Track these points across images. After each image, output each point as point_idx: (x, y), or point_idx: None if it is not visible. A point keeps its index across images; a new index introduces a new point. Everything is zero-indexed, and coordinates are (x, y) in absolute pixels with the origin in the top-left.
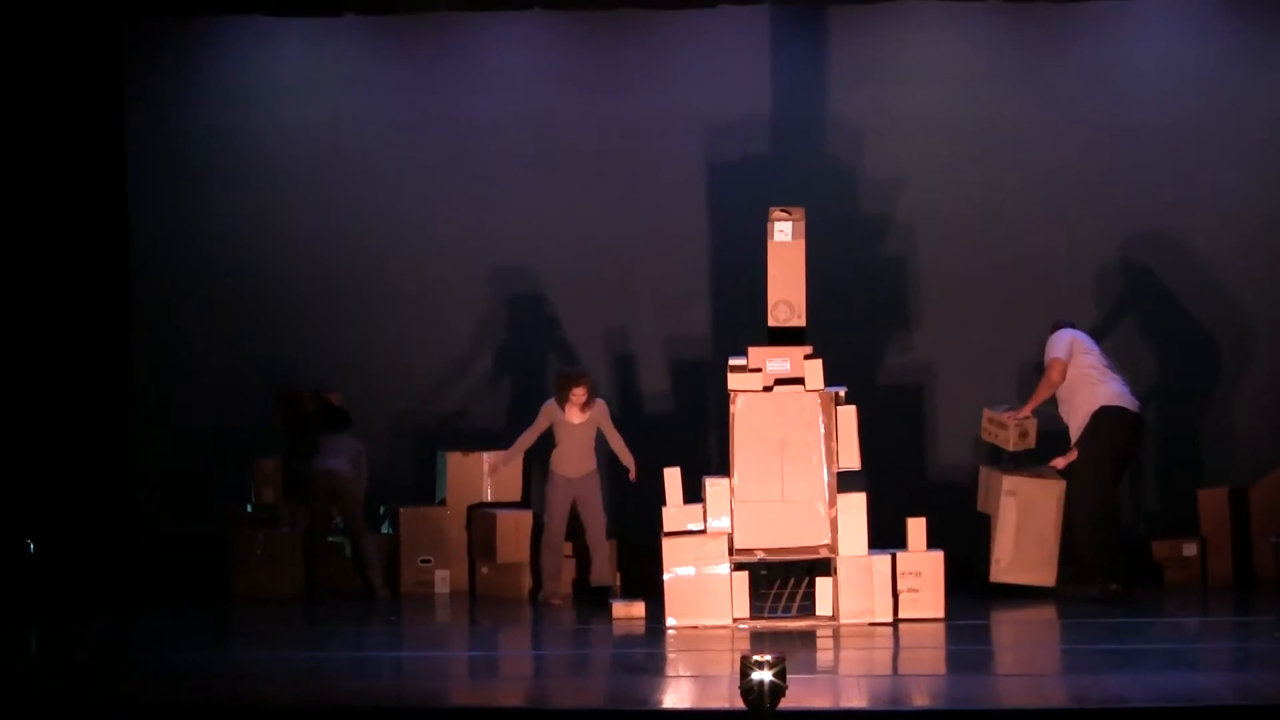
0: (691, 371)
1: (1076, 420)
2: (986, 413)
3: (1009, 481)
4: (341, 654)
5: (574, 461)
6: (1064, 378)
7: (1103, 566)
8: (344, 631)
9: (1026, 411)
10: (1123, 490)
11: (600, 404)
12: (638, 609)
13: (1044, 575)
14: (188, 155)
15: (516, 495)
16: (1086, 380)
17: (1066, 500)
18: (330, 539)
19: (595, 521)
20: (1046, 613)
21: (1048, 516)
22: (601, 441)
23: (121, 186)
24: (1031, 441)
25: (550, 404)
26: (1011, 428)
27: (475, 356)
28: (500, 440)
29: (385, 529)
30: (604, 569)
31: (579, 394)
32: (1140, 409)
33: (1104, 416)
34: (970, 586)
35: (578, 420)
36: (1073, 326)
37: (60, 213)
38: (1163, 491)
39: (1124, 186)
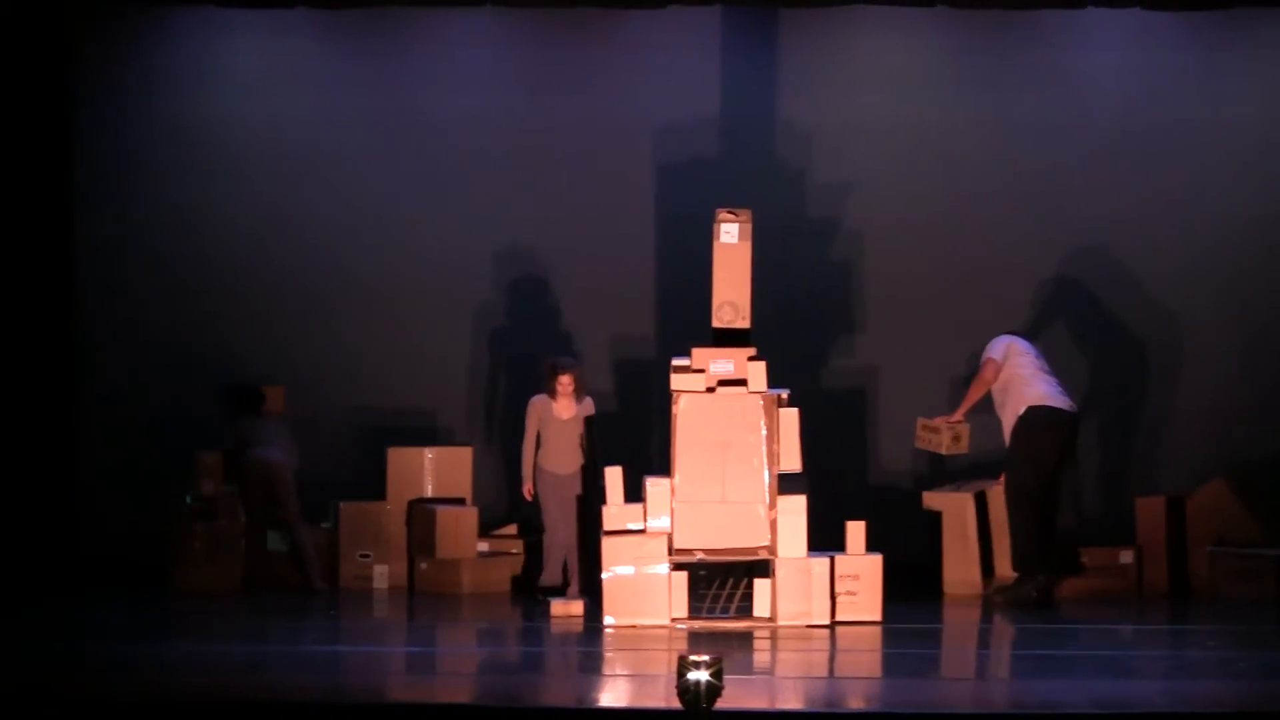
0: (636, 371)
1: (1008, 421)
2: (920, 420)
3: (927, 497)
4: (280, 648)
5: (562, 458)
6: (996, 377)
7: (1027, 564)
8: (283, 625)
9: (960, 414)
10: (1062, 490)
11: (589, 402)
12: (576, 608)
13: (972, 582)
14: (137, 147)
15: (463, 492)
16: (1018, 381)
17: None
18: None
19: (572, 521)
20: (984, 617)
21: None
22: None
23: (70, 177)
24: (964, 446)
25: (535, 401)
26: (944, 431)
27: (420, 353)
28: (448, 437)
29: (326, 524)
30: (557, 572)
31: (565, 383)
32: (1074, 408)
33: (1030, 416)
34: (907, 590)
35: (565, 415)
36: (1015, 333)
37: (7, 203)
38: (1101, 499)
39: (1069, 195)
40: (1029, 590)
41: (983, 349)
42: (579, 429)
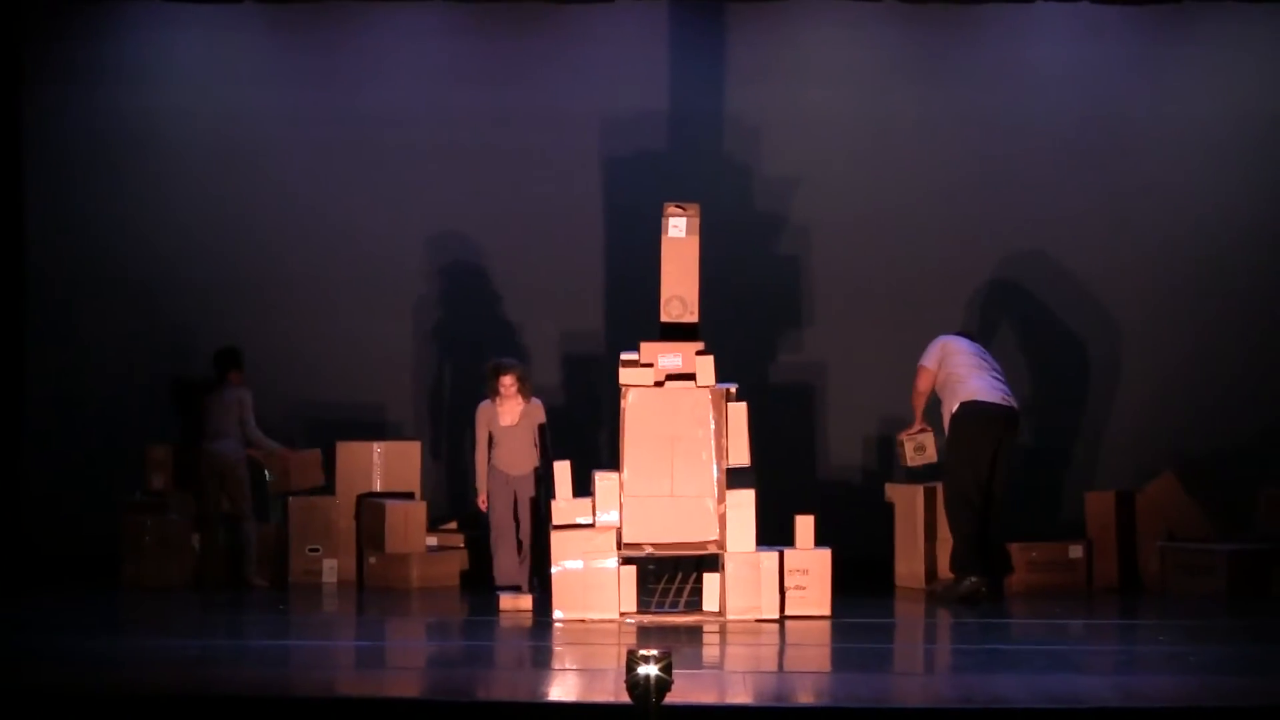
0: (584, 365)
1: (945, 422)
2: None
3: (889, 489)
4: (230, 642)
5: (514, 460)
6: (931, 384)
7: (962, 564)
8: (232, 620)
9: (915, 426)
10: (1001, 489)
11: (536, 405)
12: (525, 602)
13: (917, 576)
14: (85, 139)
15: (412, 486)
16: (953, 380)
17: None
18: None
19: (525, 520)
20: (933, 612)
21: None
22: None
23: (17, 169)
24: (931, 455)
25: (481, 407)
26: (906, 444)
27: (368, 348)
28: (396, 431)
29: (273, 518)
30: (513, 570)
31: (508, 384)
32: (1008, 402)
33: (961, 413)
34: (858, 584)
35: (509, 421)
36: (956, 334)
37: None
38: (1050, 495)
39: (1016, 191)
40: (963, 590)
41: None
42: (530, 432)
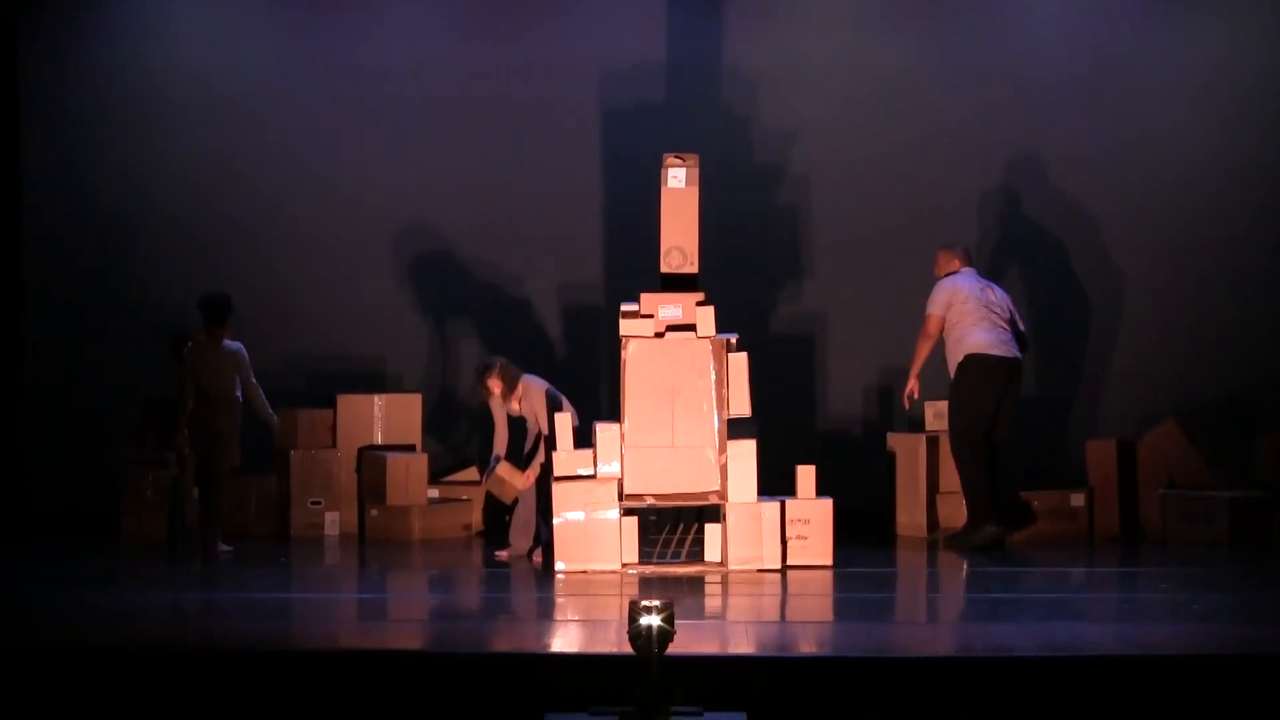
0: (584, 317)
1: (950, 370)
2: None
3: (891, 438)
4: (230, 595)
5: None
6: (940, 331)
7: (975, 512)
8: (234, 573)
9: (912, 377)
10: (1006, 437)
11: (535, 392)
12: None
13: (918, 525)
14: (83, 96)
15: (413, 439)
16: (959, 329)
17: None
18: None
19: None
20: (934, 561)
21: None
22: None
23: (14, 127)
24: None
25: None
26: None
27: (368, 301)
28: (395, 383)
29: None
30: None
31: (493, 386)
32: (1012, 352)
33: (966, 365)
34: (859, 534)
35: (513, 413)
36: (965, 267)
37: None
38: (1051, 443)
39: (1015, 138)
40: (978, 538)
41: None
42: (535, 415)
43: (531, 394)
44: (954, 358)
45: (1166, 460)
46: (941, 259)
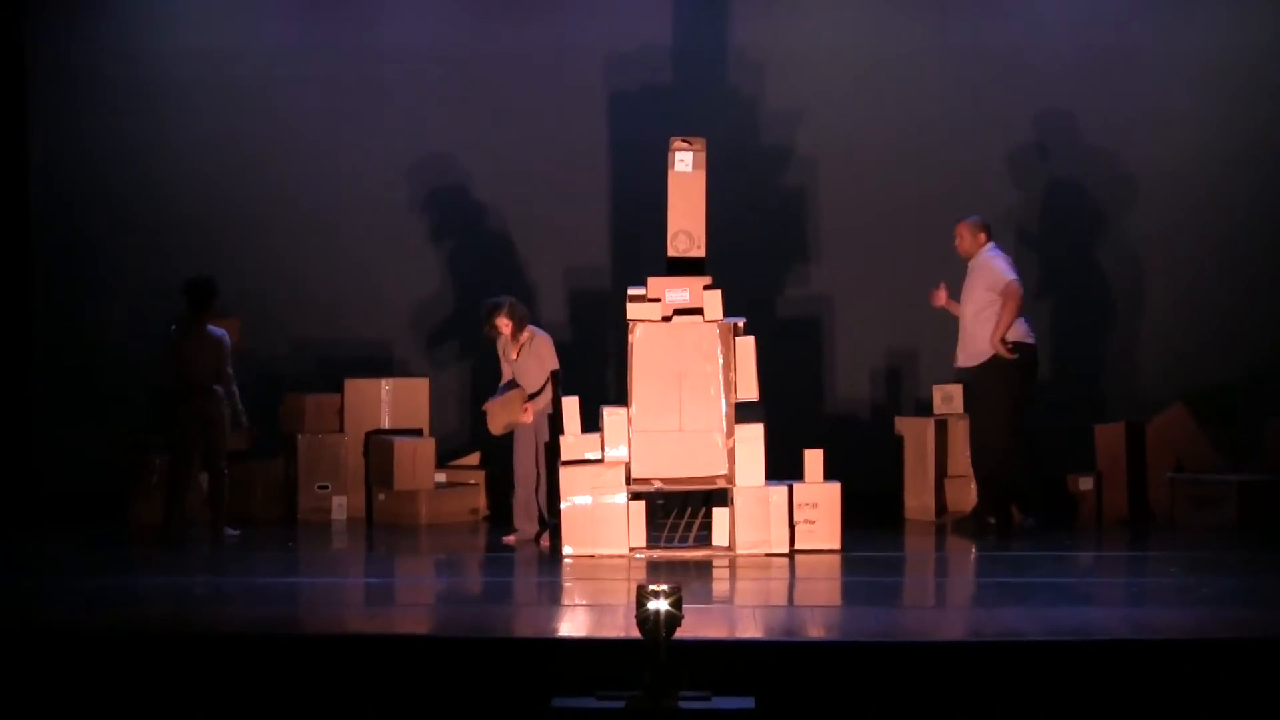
0: (591, 301)
1: (978, 348)
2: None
3: (899, 422)
4: (237, 580)
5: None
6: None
7: (1028, 498)
8: (240, 558)
9: (997, 340)
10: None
11: (542, 338)
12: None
13: (927, 509)
14: (90, 79)
15: (420, 423)
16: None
17: (973, 435)
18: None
19: (541, 464)
20: (942, 546)
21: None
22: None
23: (22, 111)
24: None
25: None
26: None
27: (375, 285)
28: (404, 368)
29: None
30: (529, 527)
31: (502, 325)
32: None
33: (1016, 351)
34: (867, 518)
35: (515, 355)
36: (988, 240)
37: None
38: (1060, 427)
39: (1023, 122)
40: (1028, 526)
41: (984, 273)
42: (538, 370)
43: (538, 339)
44: (990, 340)
45: (1175, 444)
46: (970, 231)
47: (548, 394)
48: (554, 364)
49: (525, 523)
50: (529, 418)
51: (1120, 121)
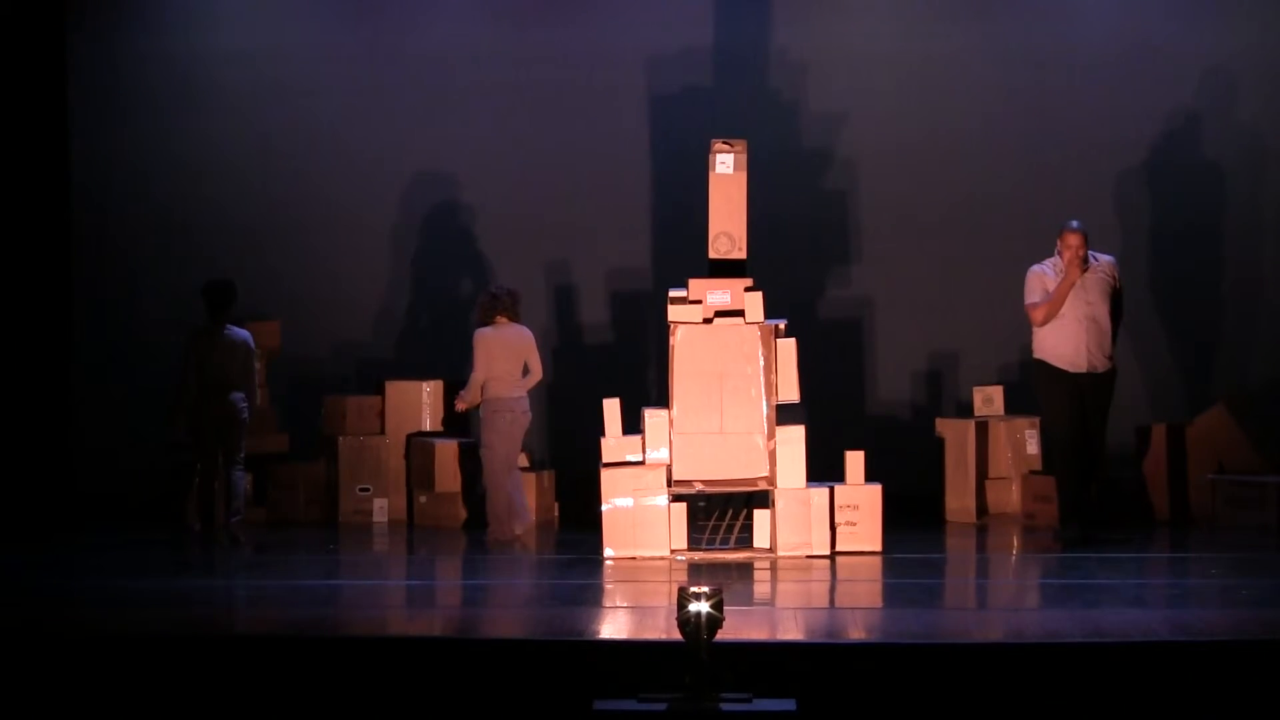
0: (632, 303)
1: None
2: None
3: (940, 424)
4: (279, 582)
5: (509, 383)
6: None
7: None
8: (283, 559)
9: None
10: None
11: (529, 333)
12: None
13: (968, 511)
14: (130, 82)
15: (461, 425)
16: None
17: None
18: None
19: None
20: (983, 547)
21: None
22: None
23: (63, 112)
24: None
25: (480, 334)
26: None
27: (417, 287)
28: (444, 370)
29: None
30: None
31: (509, 315)
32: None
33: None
34: (908, 520)
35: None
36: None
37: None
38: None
39: (1063, 123)
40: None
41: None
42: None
43: (525, 333)
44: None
45: (1216, 445)
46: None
47: (471, 390)
48: (535, 360)
49: (503, 524)
50: (459, 406)
51: (1163, 118)
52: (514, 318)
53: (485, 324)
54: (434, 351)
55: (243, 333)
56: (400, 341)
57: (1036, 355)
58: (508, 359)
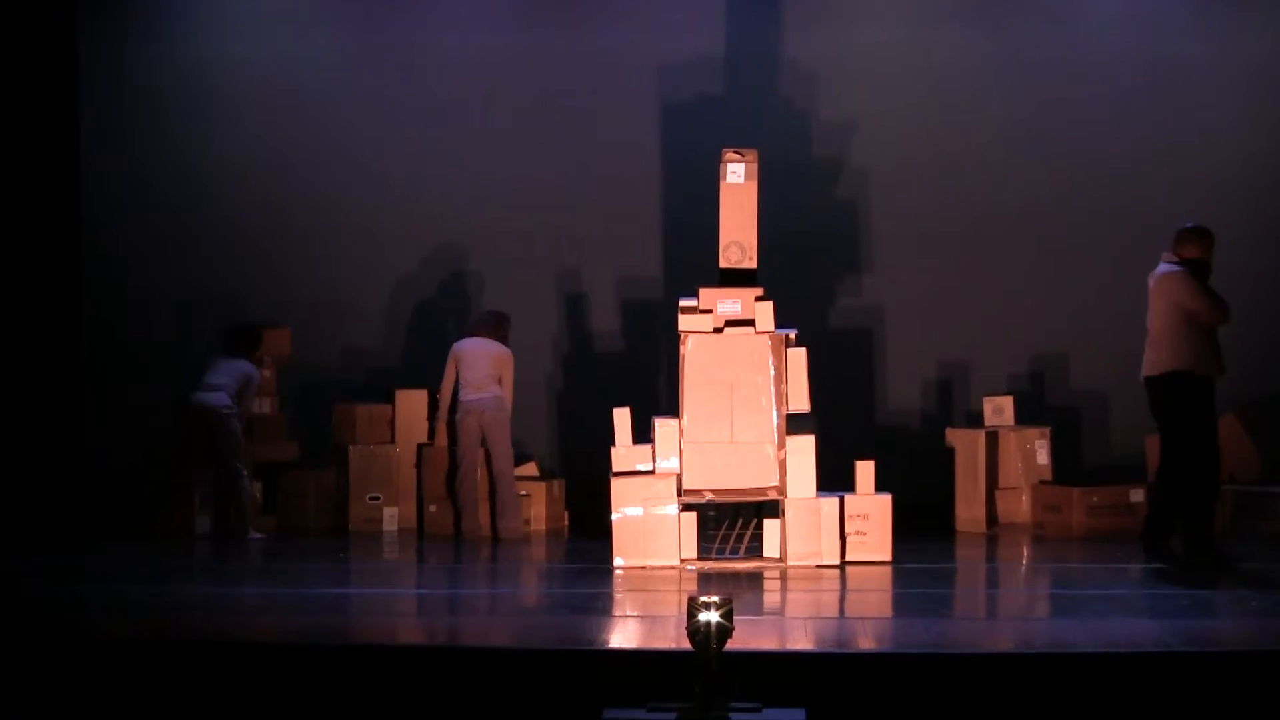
0: (642, 312)
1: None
2: None
3: (950, 434)
4: (288, 590)
5: (472, 388)
6: None
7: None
8: (292, 567)
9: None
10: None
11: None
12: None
13: (978, 521)
14: (141, 89)
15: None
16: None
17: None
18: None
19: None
20: (993, 557)
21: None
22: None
23: (74, 120)
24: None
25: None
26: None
27: (427, 296)
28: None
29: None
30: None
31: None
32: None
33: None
34: (918, 529)
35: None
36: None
37: (10, 143)
38: (1111, 437)
39: (1076, 132)
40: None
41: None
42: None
43: (501, 350)
44: (1189, 359)
45: (1226, 455)
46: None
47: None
48: (508, 380)
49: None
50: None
51: (1178, 129)
52: (495, 337)
53: (460, 338)
54: (444, 360)
55: (249, 367)
56: (410, 350)
57: (1187, 365)
58: (473, 368)
